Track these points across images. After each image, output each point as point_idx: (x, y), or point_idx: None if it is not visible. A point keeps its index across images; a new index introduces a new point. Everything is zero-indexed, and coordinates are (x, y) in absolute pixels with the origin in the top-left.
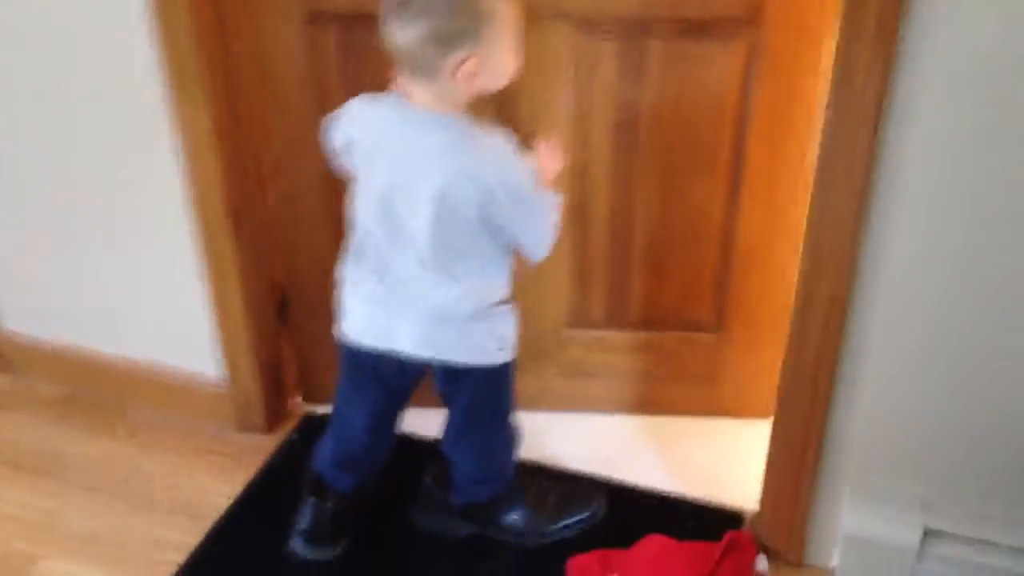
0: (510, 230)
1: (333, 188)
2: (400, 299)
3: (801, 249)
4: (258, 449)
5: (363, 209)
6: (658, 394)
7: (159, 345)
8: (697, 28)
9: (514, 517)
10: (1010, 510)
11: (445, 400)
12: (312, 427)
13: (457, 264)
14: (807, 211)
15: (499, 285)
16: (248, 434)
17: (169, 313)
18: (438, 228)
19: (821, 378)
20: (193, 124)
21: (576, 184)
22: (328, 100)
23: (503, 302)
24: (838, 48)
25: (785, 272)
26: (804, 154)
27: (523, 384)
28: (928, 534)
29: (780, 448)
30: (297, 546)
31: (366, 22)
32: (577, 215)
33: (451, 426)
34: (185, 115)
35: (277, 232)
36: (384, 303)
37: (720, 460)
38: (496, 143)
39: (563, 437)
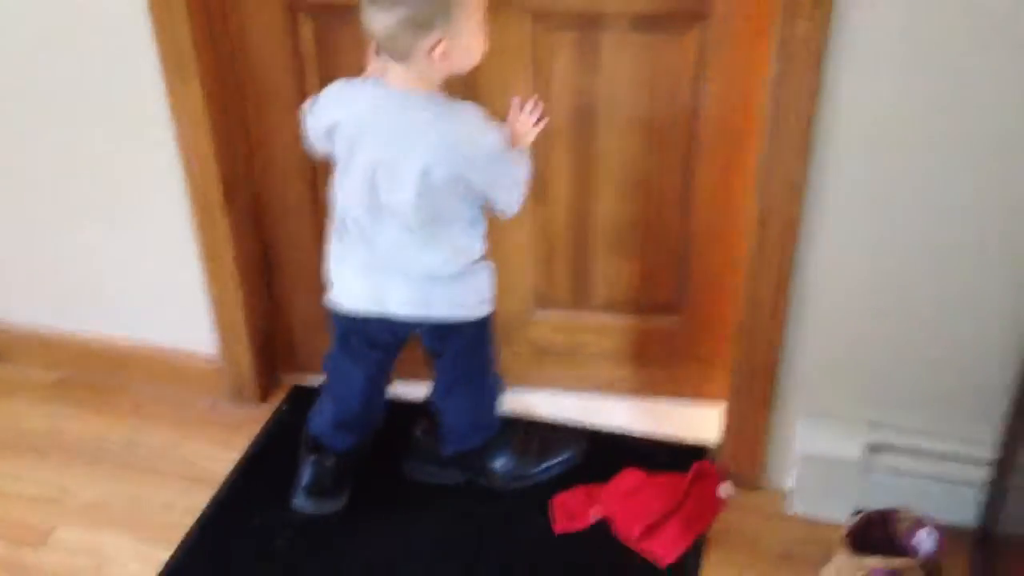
0: (488, 192)
1: (311, 166)
2: (389, 267)
3: (755, 198)
4: (253, 419)
5: (347, 186)
6: (623, 374)
7: (155, 325)
8: (648, 22)
9: (502, 462)
10: (941, 424)
11: (433, 357)
12: (301, 396)
13: (441, 230)
14: (757, 167)
15: (478, 244)
16: (242, 405)
17: (165, 293)
18: (423, 198)
19: (775, 315)
20: (188, 106)
21: (539, 167)
22: (304, 83)
23: (482, 259)
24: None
25: (741, 251)
26: (752, 138)
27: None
28: (872, 448)
29: (739, 382)
30: (300, 502)
31: (338, 12)
32: (540, 198)
33: (441, 380)
34: (180, 97)
35: (261, 208)
36: (374, 272)
37: (684, 406)
38: (471, 114)
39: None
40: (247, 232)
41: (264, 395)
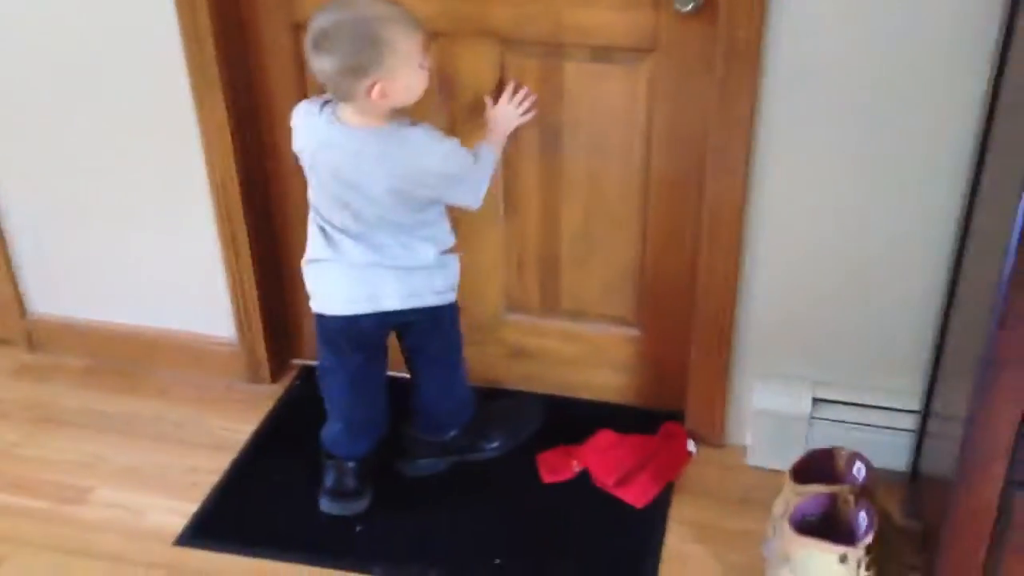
0: (448, 199)
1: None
2: (378, 266)
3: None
4: (268, 396)
5: (323, 201)
6: (584, 379)
7: (178, 313)
8: (603, 54)
9: (488, 438)
10: (875, 379)
11: (412, 351)
12: (310, 375)
13: (416, 230)
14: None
15: (448, 235)
16: (257, 384)
17: (189, 284)
18: (392, 212)
19: (728, 290)
20: (213, 117)
21: (510, 181)
22: (310, 92)
23: (451, 249)
24: None
25: (694, 263)
26: (700, 159)
27: (469, 361)
28: (816, 403)
29: (699, 351)
30: (326, 505)
31: None
32: (512, 210)
33: (423, 371)
34: (206, 109)
35: (274, 208)
36: (364, 271)
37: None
38: (418, 138)
39: None
40: (262, 229)
41: (275, 376)
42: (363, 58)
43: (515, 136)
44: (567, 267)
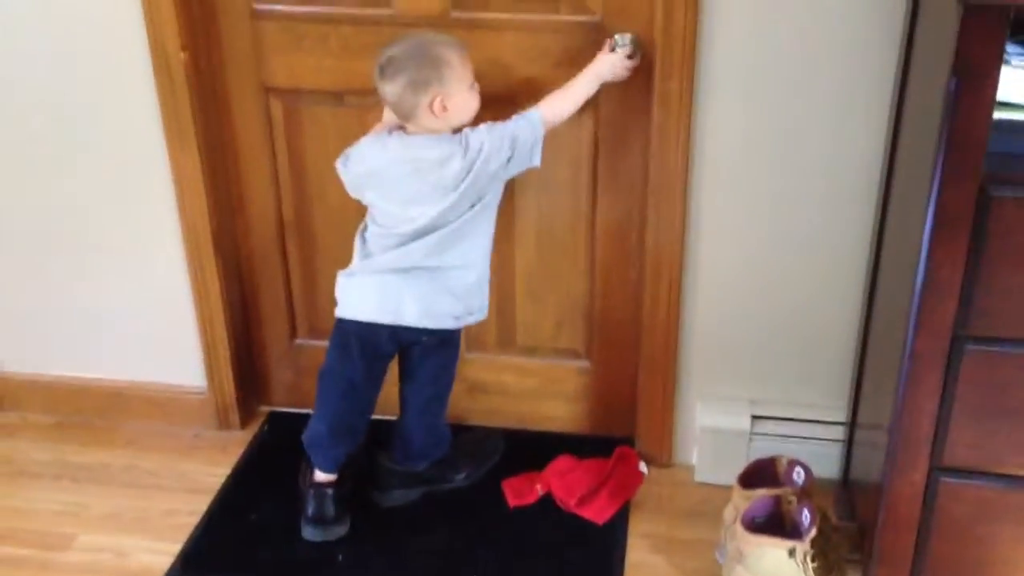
0: (516, 170)
1: (279, 227)
2: (416, 282)
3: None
4: (237, 441)
5: (379, 214)
6: (541, 411)
7: (146, 364)
8: None
9: (457, 468)
10: (806, 395)
11: (408, 374)
12: (277, 420)
13: (459, 246)
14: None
15: (487, 259)
16: (227, 431)
17: (158, 333)
18: (452, 213)
19: (669, 321)
20: (186, 169)
21: None
22: (275, 154)
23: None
24: None
25: (638, 297)
26: (641, 205)
27: None
28: (755, 420)
29: (645, 378)
30: (308, 533)
31: (302, 95)
32: None
33: (411, 398)
34: (180, 162)
35: (243, 259)
36: (393, 285)
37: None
38: (474, 135)
39: None
40: (232, 278)
41: (244, 423)
42: (424, 74)
43: None
44: (522, 304)
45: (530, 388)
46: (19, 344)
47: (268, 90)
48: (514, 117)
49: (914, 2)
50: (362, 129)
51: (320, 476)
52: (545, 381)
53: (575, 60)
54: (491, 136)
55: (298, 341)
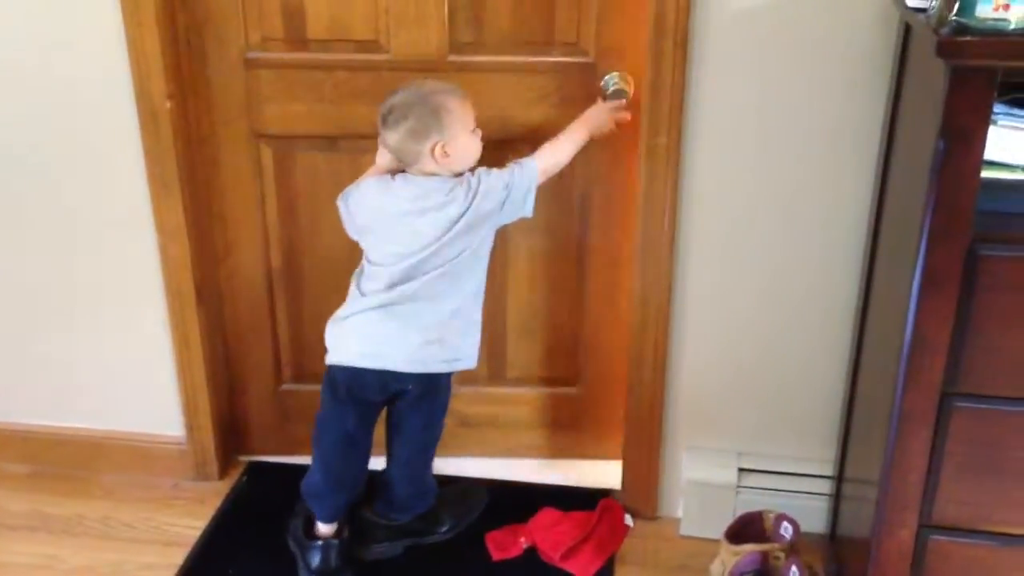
0: (509, 217)
1: (267, 275)
2: (404, 326)
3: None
4: (215, 492)
5: (376, 257)
6: (530, 440)
7: (126, 414)
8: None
9: (440, 521)
10: (793, 450)
11: (394, 425)
12: (257, 471)
13: (448, 291)
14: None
15: (477, 308)
16: (205, 482)
17: (136, 384)
18: (446, 255)
19: (656, 375)
20: (169, 218)
21: None
22: (264, 200)
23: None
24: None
25: (624, 324)
26: (628, 236)
27: None
28: (741, 473)
29: (631, 431)
30: None
31: (293, 140)
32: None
33: (398, 450)
34: (163, 211)
35: (226, 308)
36: (381, 331)
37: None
38: (473, 177)
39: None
40: (215, 327)
41: (223, 473)
42: (425, 122)
43: None
44: (512, 340)
45: (519, 417)
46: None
47: (259, 136)
48: (510, 164)
49: (901, 63)
50: (355, 173)
51: (323, 528)
52: (533, 411)
53: (568, 100)
54: (489, 178)
55: (284, 387)
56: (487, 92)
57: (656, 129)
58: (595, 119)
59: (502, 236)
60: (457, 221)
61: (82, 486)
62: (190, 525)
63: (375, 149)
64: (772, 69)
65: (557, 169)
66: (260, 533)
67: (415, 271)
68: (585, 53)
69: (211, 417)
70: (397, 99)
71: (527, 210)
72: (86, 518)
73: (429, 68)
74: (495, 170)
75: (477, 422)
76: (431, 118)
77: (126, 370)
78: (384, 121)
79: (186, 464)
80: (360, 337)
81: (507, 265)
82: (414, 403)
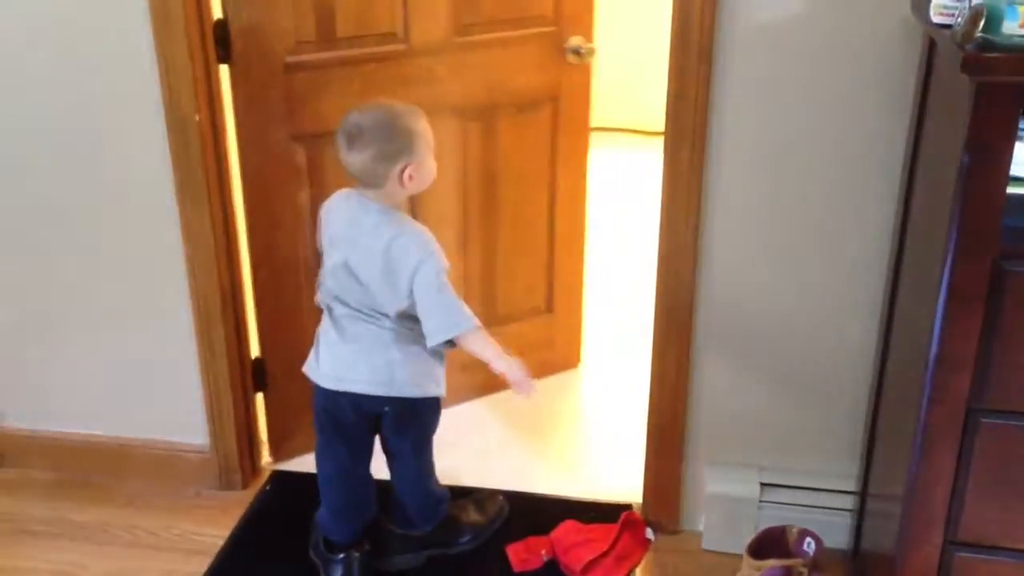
0: (419, 304)
1: (305, 269)
2: (358, 350)
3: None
4: (239, 501)
5: (333, 277)
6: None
7: (151, 422)
8: (526, 106)
9: (460, 532)
10: (816, 464)
11: (392, 452)
12: (281, 480)
13: (404, 319)
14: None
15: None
16: (228, 491)
17: (162, 391)
18: (383, 297)
19: (679, 386)
20: (197, 227)
21: (460, 221)
22: (300, 196)
23: (435, 350)
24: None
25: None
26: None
27: None
28: (764, 487)
29: (654, 446)
30: None
31: (324, 138)
32: (460, 244)
33: (395, 468)
34: (190, 220)
35: (260, 311)
36: (343, 352)
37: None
38: (415, 229)
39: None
40: (239, 337)
41: (246, 482)
42: (397, 145)
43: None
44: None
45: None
46: (21, 398)
47: (295, 138)
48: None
49: (925, 79)
50: None
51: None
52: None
53: (540, 65)
54: (441, 271)
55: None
56: (485, 66)
57: (678, 143)
58: (505, 364)
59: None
60: (385, 266)
61: (106, 493)
62: (214, 534)
63: None
64: (795, 84)
65: (473, 350)
66: (283, 543)
67: (362, 298)
68: (552, 23)
69: (235, 425)
70: (365, 120)
71: (439, 333)
72: (109, 525)
73: (438, 51)
74: (437, 266)
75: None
76: (403, 140)
77: (151, 378)
78: (351, 143)
79: (210, 472)
80: (327, 357)
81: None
82: (399, 427)
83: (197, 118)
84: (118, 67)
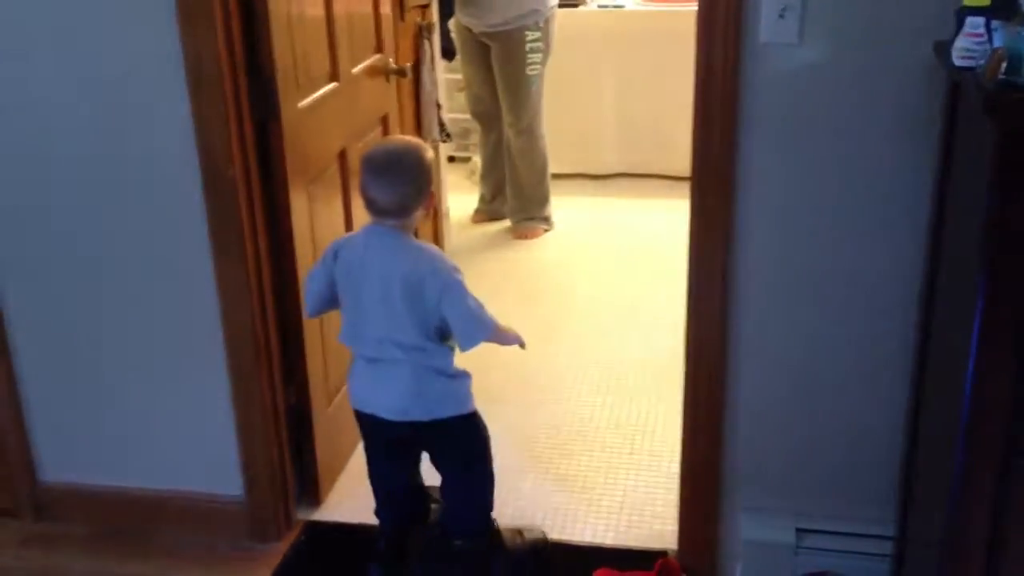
0: (446, 314)
1: (332, 334)
2: (383, 376)
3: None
4: (274, 552)
5: (357, 306)
6: None
7: (187, 474)
8: None
9: (501, 554)
10: (853, 509)
11: (439, 464)
12: (314, 531)
13: (422, 349)
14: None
15: (451, 360)
16: (262, 543)
17: (199, 444)
18: (410, 312)
19: (712, 433)
20: (232, 281)
21: None
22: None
23: (457, 372)
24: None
25: None
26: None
27: None
28: (800, 533)
29: (688, 493)
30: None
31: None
32: None
33: (442, 474)
34: (226, 275)
35: (293, 360)
36: (371, 377)
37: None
38: (435, 251)
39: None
40: (275, 389)
41: (280, 532)
42: (425, 179)
43: None
44: None
45: None
46: (60, 451)
47: (345, 186)
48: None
49: (950, 122)
50: None
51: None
52: None
53: None
54: (463, 283)
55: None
56: None
57: (705, 191)
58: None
59: None
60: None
61: (142, 546)
62: None
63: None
64: (821, 129)
65: (495, 340)
66: None
67: (382, 327)
68: None
69: (271, 475)
70: (391, 155)
71: (466, 336)
72: None
73: None
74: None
75: None
76: (427, 174)
77: (188, 427)
78: (381, 175)
79: (244, 524)
80: (358, 381)
81: None
82: (441, 445)
83: (230, 173)
84: (156, 129)
